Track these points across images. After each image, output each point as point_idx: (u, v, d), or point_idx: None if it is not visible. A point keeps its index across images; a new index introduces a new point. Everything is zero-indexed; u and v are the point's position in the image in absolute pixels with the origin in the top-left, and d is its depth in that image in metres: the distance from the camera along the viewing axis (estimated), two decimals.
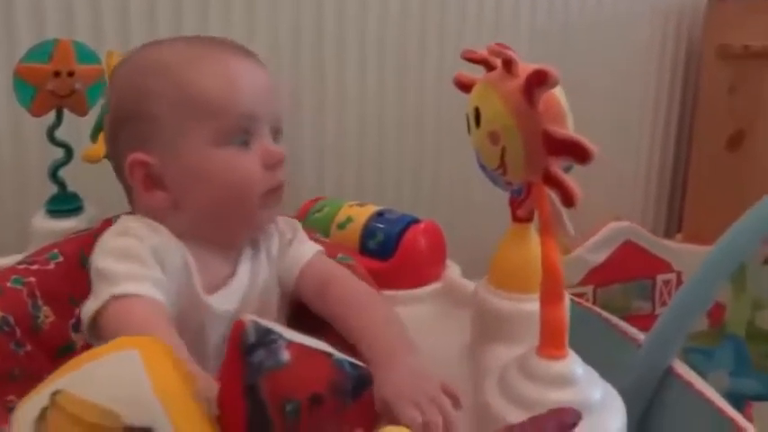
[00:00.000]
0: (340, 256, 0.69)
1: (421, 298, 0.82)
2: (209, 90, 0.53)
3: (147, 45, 0.60)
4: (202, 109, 0.53)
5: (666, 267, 1.37)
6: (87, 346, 0.52)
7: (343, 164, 1.18)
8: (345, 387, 0.33)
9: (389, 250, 0.83)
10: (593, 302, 1.35)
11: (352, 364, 0.35)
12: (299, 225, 0.64)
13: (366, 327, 0.56)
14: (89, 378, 0.30)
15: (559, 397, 0.51)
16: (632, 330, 0.96)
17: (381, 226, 0.85)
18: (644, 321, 1.28)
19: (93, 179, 0.76)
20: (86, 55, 0.80)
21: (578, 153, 0.46)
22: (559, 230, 0.51)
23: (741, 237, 0.85)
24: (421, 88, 1.19)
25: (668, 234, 1.47)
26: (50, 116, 0.82)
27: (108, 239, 0.55)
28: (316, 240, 0.70)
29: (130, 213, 0.59)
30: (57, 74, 0.79)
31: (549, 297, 0.53)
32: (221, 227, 0.56)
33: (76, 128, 0.85)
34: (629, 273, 1.35)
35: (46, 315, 0.59)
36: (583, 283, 1.33)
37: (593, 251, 1.33)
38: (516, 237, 0.62)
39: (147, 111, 0.54)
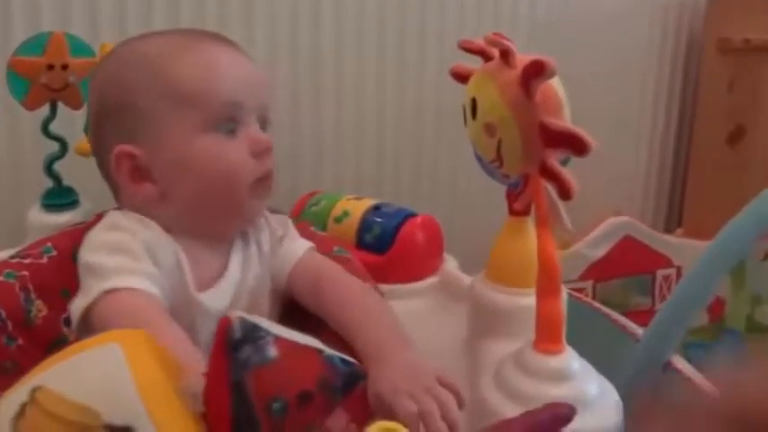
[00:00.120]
0: (336, 249, 0.68)
1: (418, 292, 0.82)
2: (191, 79, 0.53)
3: (129, 39, 0.59)
4: (186, 98, 0.53)
5: (666, 262, 1.37)
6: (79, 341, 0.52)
7: (341, 157, 1.18)
8: (335, 384, 0.33)
9: (386, 244, 0.83)
10: (593, 297, 1.34)
11: (343, 360, 0.34)
12: (290, 222, 0.64)
13: (360, 323, 0.55)
14: (69, 373, 0.29)
15: (556, 392, 0.50)
16: (631, 325, 0.95)
17: (378, 220, 0.84)
18: (644, 317, 1.28)
19: (89, 173, 0.75)
20: (80, 48, 0.79)
21: (576, 145, 0.45)
22: (556, 224, 0.51)
23: (740, 232, 0.84)
24: (420, 81, 1.18)
25: (668, 229, 1.47)
26: (45, 110, 0.81)
27: (97, 234, 0.54)
28: (311, 234, 0.70)
29: (117, 209, 0.58)
30: (50, 67, 0.78)
31: (546, 291, 0.52)
32: (211, 217, 0.56)
33: (71, 121, 0.85)
34: (628, 268, 1.35)
35: (39, 309, 0.59)
36: (582, 278, 1.33)
37: (593, 246, 1.32)
38: (513, 231, 0.62)
39: (131, 103, 0.54)
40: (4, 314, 0.56)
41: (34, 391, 0.29)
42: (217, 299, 0.55)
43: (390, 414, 0.47)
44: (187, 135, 0.53)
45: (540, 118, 0.46)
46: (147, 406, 0.28)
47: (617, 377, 0.58)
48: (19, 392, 0.29)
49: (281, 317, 0.61)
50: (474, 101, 0.51)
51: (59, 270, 0.59)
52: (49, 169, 0.84)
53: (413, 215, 0.85)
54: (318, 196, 0.91)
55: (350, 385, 0.33)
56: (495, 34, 0.49)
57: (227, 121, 0.54)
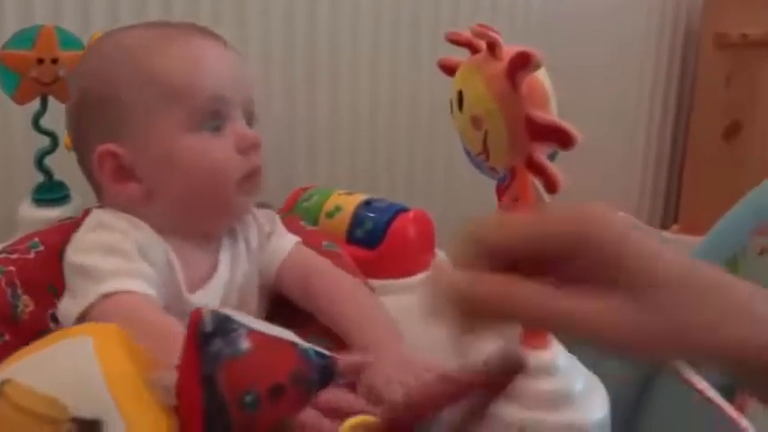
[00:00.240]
0: (325, 243, 0.68)
1: (409, 287, 0.81)
2: (175, 73, 0.52)
3: (111, 32, 0.58)
4: (170, 93, 0.52)
5: None
6: None
7: (335, 152, 1.17)
8: (310, 377, 0.32)
9: (377, 239, 0.82)
10: None
11: (318, 353, 0.34)
12: (277, 217, 0.63)
13: (351, 318, 0.55)
14: (39, 366, 0.29)
15: (542, 386, 0.50)
16: None
17: (370, 214, 0.84)
18: None
19: (80, 168, 0.76)
20: (70, 41, 0.79)
21: (562, 138, 0.45)
22: None
23: (733, 226, 0.84)
24: (414, 75, 1.18)
25: (665, 225, 1.46)
26: (35, 104, 0.81)
27: (86, 235, 0.53)
28: (300, 228, 0.69)
29: (100, 207, 0.57)
30: (40, 61, 0.78)
31: None
32: (198, 216, 0.55)
33: (62, 115, 0.84)
34: None
35: (25, 304, 0.58)
36: None
37: None
38: None
39: (113, 99, 0.53)
40: None
41: (3, 384, 0.29)
42: (207, 299, 0.55)
43: (380, 404, 0.47)
44: (172, 132, 0.52)
45: (526, 110, 0.46)
46: (116, 399, 0.28)
47: (612, 372, 0.58)
48: None
49: (269, 312, 0.61)
50: (460, 93, 0.51)
51: (46, 265, 0.59)
52: (39, 164, 0.84)
53: (404, 210, 0.84)
54: (310, 191, 0.91)
55: (326, 379, 0.33)
56: (481, 26, 0.49)
57: (213, 117, 0.53)
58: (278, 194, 0.95)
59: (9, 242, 0.63)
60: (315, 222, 0.86)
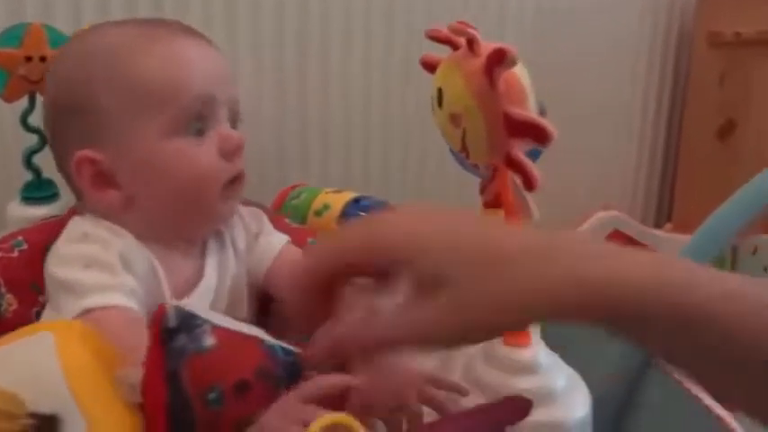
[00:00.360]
0: (311, 240, 0.68)
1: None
2: (157, 76, 0.50)
3: (89, 30, 0.56)
4: (152, 97, 0.50)
5: None
6: None
7: (326, 151, 1.17)
8: (276, 373, 0.32)
9: None
10: None
11: (285, 349, 0.34)
12: (263, 216, 0.62)
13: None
14: (0, 362, 0.29)
15: (523, 384, 0.50)
16: None
17: (358, 213, 0.84)
18: None
19: None
20: (58, 39, 0.79)
21: (538, 135, 0.45)
22: (524, 215, 0.51)
23: (721, 224, 0.83)
24: (407, 74, 1.17)
25: (658, 224, 1.46)
26: (23, 102, 0.81)
27: (66, 247, 0.51)
28: (286, 226, 0.69)
29: (79, 213, 0.56)
30: (28, 59, 0.78)
31: None
32: (180, 223, 0.53)
33: None
34: None
35: (9, 303, 0.58)
36: None
37: None
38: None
39: (92, 102, 0.51)
40: None
41: None
42: (196, 307, 0.54)
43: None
44: (154, 138, 0.50)
45: (503, 107, 0.46)
46: (75, 394, 0.28)
47: (602, 372, 0.57)
48: None
49: (258, 311, 0.61)
50: (440, 90, 0.51)
51: (30, 264, 0.58)
52: (28, 162, 0.84)
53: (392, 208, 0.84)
54: (299, 189, 0.91)
55: (293, 375, 0.33)
56: (459, 23, 0.49)
57: (197, 120, 0.51)
58: (270, 194, 0.95)
59: None
60: (303, 220, 0.86)
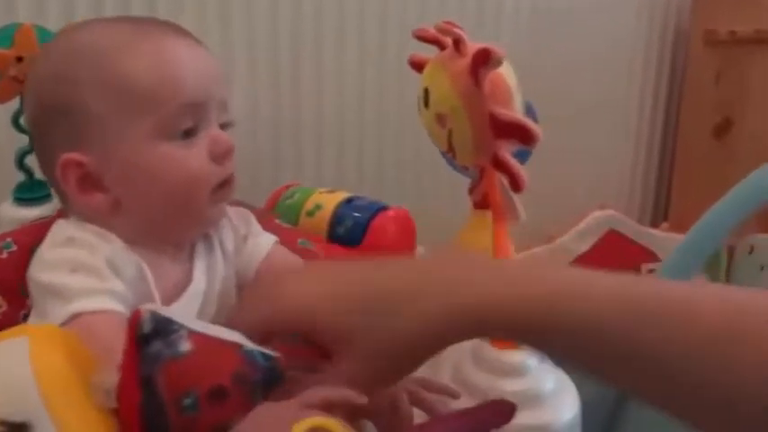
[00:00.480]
0: (300, 241, 0.67)
1: None
2: (147, 77, 0.48)
3: (73, 27, 0.54)
4: (141, 99, 0.48)
5: (651, 257, 1.36)
6: None
7: (320, 151, 1.17)
8: (254, 378, 0.32)
9: (358, 237, 0.82)
10: None
11: (264, 355, 0.33)
12: (251, 216, 0.60)
13: None
14: None
15: (511, 386, 0.50)
16: None
17: (350, 212, 0.83)
18: None
19: None
20: (49, 39, 0.79)
21: (523, 135, 0.45)
22: (510, 216, 0.50)
23: (717, 220, 0.83)
24: (401, 74, 1.17)
25: (655, 223, 1.46)
26: (15, 102, 0.81)
27: (51, 251, 0.49)
28: (276, 226, 0.69)
29: (64, 217, 0.54)
30: (19, 59, 0.78)
31: None
32: (169, 227, 0.52)
33: None
34: (613, 262, 1.33)
35: None
36: None
37: (577, 240, 1.31)
38: (474, 225, 0.61)
39: (78, 103, 0.49)
40: None
41: None
42: (184, 311, 0.51)
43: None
44: (143, 140, 0.49)
45: (489, 108, 0.45)
46: (47, 402, 0.28)
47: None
48: None
49: None
50: (426, 91, 0.50)
51: (19, 266, 0.57)
52: (20, 163, 0.84)
53: (385, 208, 0.84)
54: (293, 189, 0.91)
55: (272, 380, 0.33)
56: (446, 23, 0.49)
57: (187, 123, 0.49)
58: (263, 194, 0.94)
59: None
60: (296, 221, 0.86)
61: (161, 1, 1.02)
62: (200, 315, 0.54)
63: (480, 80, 0.45)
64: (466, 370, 0.53)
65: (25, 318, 0.57)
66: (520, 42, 1.26)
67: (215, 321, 0.57)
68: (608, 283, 0.33)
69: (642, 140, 1.43)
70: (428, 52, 0.56)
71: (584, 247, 1.31)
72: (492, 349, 0.52)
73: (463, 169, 0.54)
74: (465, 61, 0.47)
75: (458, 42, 0.47)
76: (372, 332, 0.33)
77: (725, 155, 1.35)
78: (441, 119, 0.49)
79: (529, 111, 0.60)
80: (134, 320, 0.31)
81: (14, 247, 0.59)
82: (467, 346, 0.55)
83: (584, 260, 1.31)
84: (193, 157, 0.50)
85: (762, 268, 1.28)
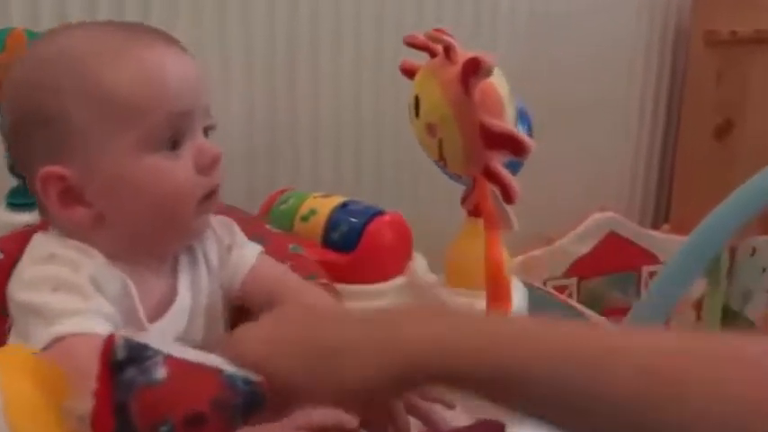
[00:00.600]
0: (291, 246, 0.67)
1: (384, 293, 0.80)
2: (129, 89, 0.46)
3: (53, 34, 0.51)
4: (125, 111, 0.47)
5: (652, 259, 1.35)
6: None
7: (317, 155, 1.16)
8: (234, 403, 0.31)
9: (353, 243, 0.81)
10: (577, 295, 1.33)
11: (245, 380, 0.33)
12: (235, 226, 0.58)
13: None
14: None
15: None
16: (607, 325, 0.94)
17: (345, 218, 0.83)
18: (627, 313, 1.26)
19: None
20: None
21: (515, 147, 0.44)
22: (503, 226, 0.50)
23: (719, 223, 0.82)
24: (398, 77, 1.16)
25: (656, 225, 1.44)
26: None
27: (32, 269, 0.48)
28: (266, 232, 0.68)
29: (44, 229, 0.52)
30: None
31: (494, 296, 0.51)
32: (154, 240, 0.51)
33: None
34: (613, 264, 1.33)
35: None
36: (567, 274, 1.31)
37: (577, 242, 1.30)
38: (469, 232, 0.60)
39: (59, 114, 0.47)
40: None
41: None
42: (170, 327, 0.51)
43: None
44: (127, 153, 0.47)
45: (480, 118, 0.44)
46: (13, 428, 0.27)
47: None
48: None
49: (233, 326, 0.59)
50: (417, 99, 0.49)
51: (7, 274, 0.56)
52: (12, 168, 0.83)
53: (380, 213, 0.83)
54: (288, 194, 0.90)
55: (254, 405, 0.32)
56: (436, 30, 0.48)
57: (172, 134, 0.48)
58: (260, 197, 0.94)
59: None
60: (290, 225, 0.85)
61: (156, 5, 1.02)
62: (188, 330, 0.53)
63: (471, 89, 0.44)
64: None
65: (9, 331, 0.55)
66: (518, 44, 1.24)
67: (204, 336, 0.57)
68: (548, 332, 0.33)
69: (642, 142, 1.42)
70: (421, 58, 0.55)
71: (584, 249, 1.30)
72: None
73: (457, 177, 0.54)
74: (455, 69, 0.46)
75: (448, 50, 0.46)
76: (317, 389, 0.35)
77: (726, 156, 1.34)
78: (431, 128, 0.48)
79: (522, 116, 0.59)
80: (107, 347, 0.30)
81: (1, 255, 0.58)
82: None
83: (584, 262, 1.30)
84: (180, 169, 0.48)
85: (763, 270, 1.27)
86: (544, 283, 1.28)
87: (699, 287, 1.23)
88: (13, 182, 0.82)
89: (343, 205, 0.84)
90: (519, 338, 0.32)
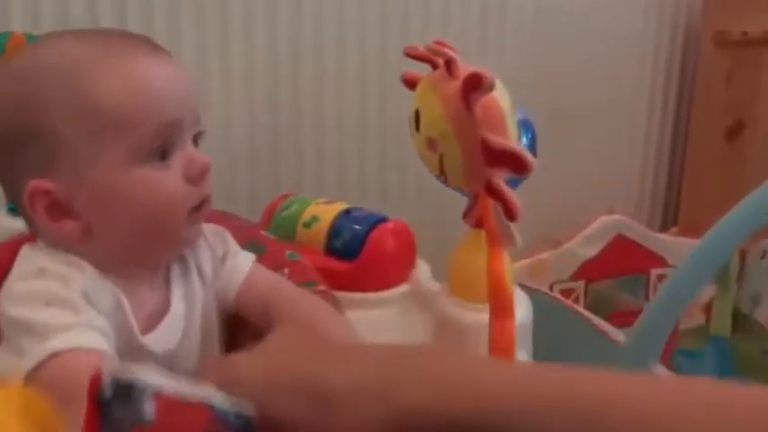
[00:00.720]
0: (288, 253, 0.66)
1: (387, 301, 0.79)
2: (117, 102, 0.46)
3: (38, 44, 0.50)
4: (113, 124, 0.46)
5: (660, 262, 1.33)
6: None
7: (321, 161, 1.15)
8: None
9: (356, 250, 0.80)
10: (585, 298, 1.32)
11: (237, 414, 0.32)
12: (228, 235, 0.58)
13: (314, 326, 0.52)
14: None
15: None
16: (613, 331, 0.92)
17: (348, 225, 0.82)
18: (634, 317, 1.25)
19: None
20: None
21: (516, 164, 0.43)
22: (504, 240, 0.49)
23: (729, 230, 0.80)
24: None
25: (665, 227, 1.43)
26: None
27: (22, 283, 0.47)
28: (264, 238, 0.67)
29: (31, 241, 0.51)
30: None
31: (497, 312, 0.50)
32: (144, 251, 0.50)
33: None
34: (621, 267, 1.32)
35: None
36: (575, 277, 1.30)
37: (585, 245, 1.29)
38: (471, 243, 0.59)
39: (45, 127, 0.46)
40: None
41: None
42: (165, 340, 0.51)
43: None
44: (116, 165, 0.46)
45: (481, 134, 0.43)
46: None
47: None
48: None
49: (229, 335, 0.58)
50: (417, 113, 0.48)
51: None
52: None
53: (384, 220, 0.82)
54: (290, 199, 0.89)
55: None
56: (438, 43, 0.46)
57: (161, 144, 0.47)
58: (262, 202, 0.93)
59: None
60: (292, 232, 0.84)
61: (157, 7, 1.01)
62: (182, 343, 0.52)
63: (471, 105, 0.43)
64: None
65: None
66: (525, 43, 1.23)
67: (200, 349, 0.56)
68: (539, 383, 0.32)
69: (651, 144, 1.41)
70: (424, 69, 0.54)
71: (592, 252, 1.28)
72: None
73: (458, 189, 0.53)
74: (456, 84, 0.45)
75: (449, 64, 0.45)
76: (316, 428, 0.34)
77: (736, 158, 1.32)
78: (431, 143, 0.47)
79: (525, 127, 0.58)
80: (93, 385, 0.29)
81: None
82: None
83: (592, 265, 1.28)
84: (169, 180, 0.48)
85: None
86: (551, 287, 1.27)
87: (708, 290, 1.22)
88: None
89: (346, 212, 0.83)
90: (505, 391, 0.32)
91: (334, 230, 0.82)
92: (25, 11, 0.96)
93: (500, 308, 0.50)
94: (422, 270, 0.82)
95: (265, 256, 0.62)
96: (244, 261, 0.56)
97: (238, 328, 0.58)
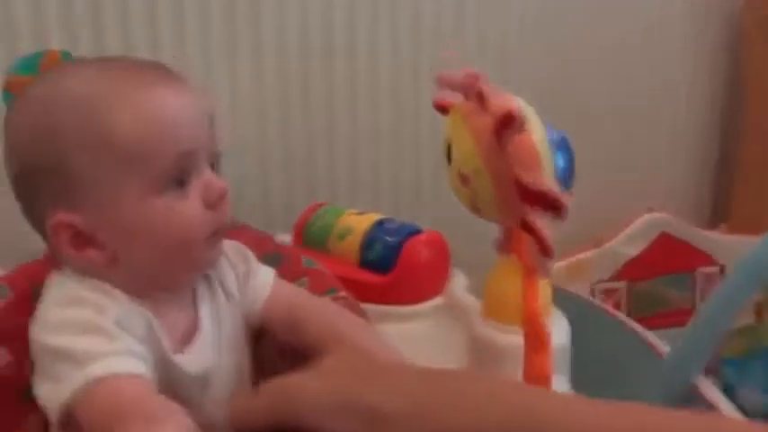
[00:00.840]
0: (305, 260, 0.65)
1: (421, 314, 0.79)
2: (134, 135, 0.47)
3: (53, 76, 0.51)
4: (131, 158, 0.47)
5: (707, 260, 1.29)
6: None
7: (355, 167, 1.13)
8: None
9: (389, 263, 0.79)
10: (627, 298, 1.28)
11: None
12: (249, 253, 0.58)
13: (341, 337, 0.52)
14: None
15: None
16: (657, 342, 0.89)
17: (381, 237, 0.81)
18: (681, 316, 1.21)
19: None
20: None
21: (551, 206, 0.41)
22: (540, 276, 0.47)
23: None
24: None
25: (712, 224, 1.37)
26: None
27: (55, 311, 0.48)
28: (277, 247, 0.66)
29: (58, 268, 0.52)
30: None
31: (532, 345, 0.48)
32: (168, 276, 0.52)
33: None
34: (666, 266, 1.28)
35: (1, 356, 0.56)
36: (617, 277, 1.27)
37: (627, 244, 1.25)
38: (503, 270, 0.57)
39: (65, 163, 0.47)
40: None
41: None
42: (197, 359, 0.51)
43: None
44: (135, 198, 0.48)
45: (514, 173, 0.41)
46: None
47: (644, 397, 0.54)
48: None
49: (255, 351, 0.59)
50: (449, 146, 0.46)
51: (18, 312, 0.56)
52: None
53: (417, 232, 0.81)
54: (323, 209, 0.88)
55: None
56: (469, 74, 0.44)
57: (178, 173, 0.48)
58: (298, 208, 0.92)
59: None
60: (324, 244, 0.84)
61: (188, 19, 1.00)
62: (216, 362, 0.53)
63: (504, 144, 0.41)
64: None
65: (32, 367, 0.54)
66: (558, 30, 1.18)
67: (233, 368, 0.56)
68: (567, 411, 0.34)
69: (694, 137, 1.34)
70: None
71: (634, 251, 1.25)
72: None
73: (492, 220, 0.51)
74: (488, 119, 0.43)
75: (480, 98, 0.43)
76: None
77: None
78: (464, 178, 0.45)
79: (562, 148, 0.56)
80: None
81: (12, 293, 0.58)
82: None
83: (636, 264, 1.25)
84: (188, 208, 0.49)
85: None
86: (593, 287, 1.24)
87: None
88: None
89: (380, 223, 0.82)
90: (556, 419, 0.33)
91: (367, 242, 0.81)
92: (64, 31, 0.95)
93: (535, 342, 0.48)
94: (457, 282, 0.81)
95: (283, 267, 0.62)
96: (266, 277, 0.57)
97: (256, 339, 0.59)
